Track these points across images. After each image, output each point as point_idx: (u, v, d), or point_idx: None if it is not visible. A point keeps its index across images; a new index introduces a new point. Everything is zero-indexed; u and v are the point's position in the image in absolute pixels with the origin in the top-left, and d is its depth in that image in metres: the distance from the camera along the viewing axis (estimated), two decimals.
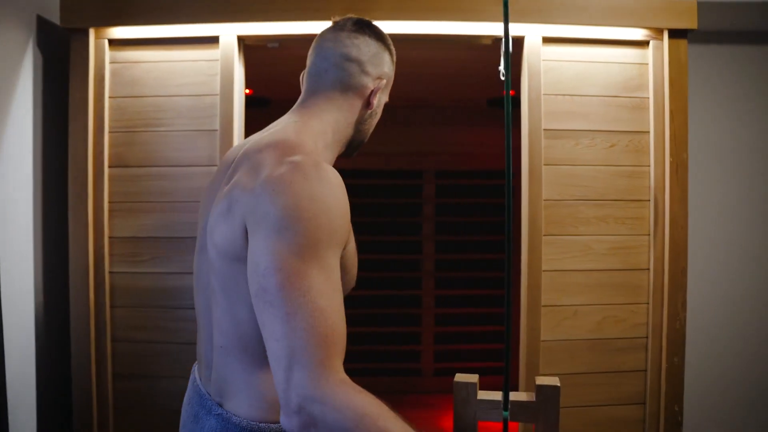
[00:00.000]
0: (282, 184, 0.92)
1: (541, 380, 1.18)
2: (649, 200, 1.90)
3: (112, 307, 1.83)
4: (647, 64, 1.90)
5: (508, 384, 1.13)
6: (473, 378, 1.20)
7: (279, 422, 0.94)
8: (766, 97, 2.57)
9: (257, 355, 1.01)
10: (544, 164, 1.87)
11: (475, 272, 2.96)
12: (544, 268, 1.87)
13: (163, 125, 1.83)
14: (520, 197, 1.92)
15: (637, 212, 1.91)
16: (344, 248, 1.00)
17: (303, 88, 1.19)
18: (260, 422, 1.04)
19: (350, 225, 1.02)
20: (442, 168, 2.90)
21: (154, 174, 1.83)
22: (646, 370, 1.91)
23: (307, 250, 0.88)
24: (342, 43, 1.16)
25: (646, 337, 1.91)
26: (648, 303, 1.91)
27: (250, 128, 2.76)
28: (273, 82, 2.56)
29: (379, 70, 1.18)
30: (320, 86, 1.16)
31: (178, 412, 1.83)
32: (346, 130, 1.18)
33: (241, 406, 1.05)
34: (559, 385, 1.15)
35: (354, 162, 2.95)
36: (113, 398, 1.83)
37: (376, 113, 1.23)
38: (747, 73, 2.44)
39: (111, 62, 1.82)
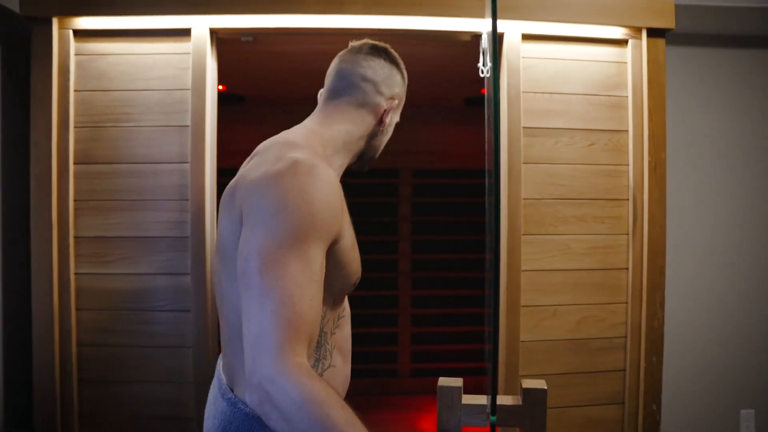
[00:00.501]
0: (275, 178, 0.98)
1: (527, 383, 1.14)
2: (628, 199, 1.89)
3: (77, 309, 1.74)
4: (626, 62, 1.89)
5: (496, 388, 1.09)
6: (457, 382, 1.15)
7: None
8: (742, 99, 2.60)
9: None
10: (523, 162, 1.84)
11: (452, 272, 2.93)
12: (523, 267, 1.84)
13: (131, 120, 1.75)
14: (499, 196, 1.89)
15: (616, 211, 1.89)
16: (337, 243, 1.05)
17: (319, 103, 1.29)
18: None
19: (345, 222, 1.08)
20: (418, 167, 2.86)
21: (122, 171, 1.75)
22: (624, 370, 1.90)
23: (288, 240, 0.93)
24: (359, 64, 1.26)
25: (625, 337, 1.90)
26: (627, 302, 1.89)
27: (223, 125, 2.68)
28: (247, 79, 2.49)
29: (392, 90, 1.28)
30: (336, 101, 1.25)
31: (150, 418, 1.76)
32: (358, 143, 1.26)
33: (245, 393, 1.03)
34: (545, 388, 1.12)
35: None
36: (78, 405, 1.74)
37: (388, 131, 1.32)
38: (724, 75, 2.46)
39: (76, 54, 1.73)
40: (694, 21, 2.43)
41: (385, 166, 2.86)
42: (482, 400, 1.14)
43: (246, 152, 2.95)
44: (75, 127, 1.73)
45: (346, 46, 1.31)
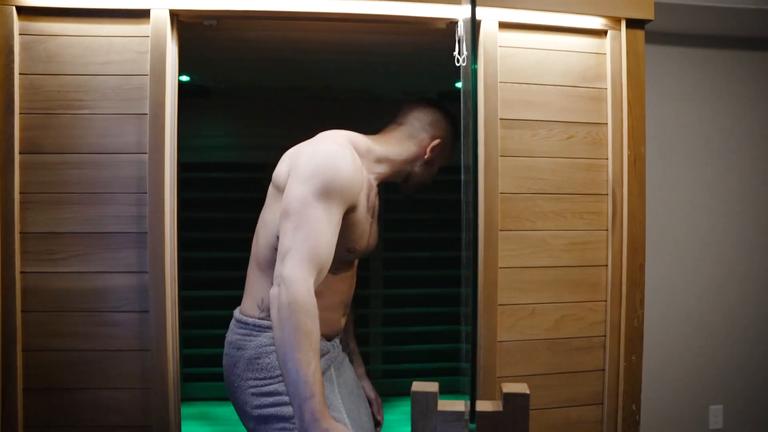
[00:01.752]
0: (316, 152, 1.43)
1: (508, 387, 1.05)
2: (607, 194, 1.82)
3: (23, 311, 1.60)
4: (605, 53, 1.81)
5: (475, 393, 0.99)
6: (433, 387, 1.05)
7: (269, 319, 1.48)
8: (718, 98, 2.56)
9: (263, 266, 1.54)
10: (500, 155, 1.76)
11: (425, 270, 2.83)
12: (500, 264, 1.76)
13: (84, 107, 1.61)
14: (477, 191, 1.80)
15: (595, 206, 1.82)
16: (352, 212, 1.45)
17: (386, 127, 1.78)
18: (257, 318, 1.54)
19: (362, 199, 1.49)
20: None
21: (74, 162, 1.61)
22: (604, 369, 1.82)
23: (319, 194, 1.33)
24: (416, 108, 1.78)
25: (605, 336, 1.82)
26: (606, 300, 1.82)
27: (189, 119, 2.55)
28: (214, 70, 2.35)
29: (438, 133, 1.76)
30: (394, 128, 1.75)
31: (107, 428, 1.62)
32: (402, 165, 1.71)
33: (246, 306, 1.59)
34: (528, 392, 1.02)
35: None
36: (24, 417, 1.59)
37: (431, 166, 1.78)
38: (701, 73, 2.42)
39: (21, 33, 1.58)
40: (672, 20, 2.38)
41: None
42: (460, 406, 1.04)
43: (212, 147, 2.84)
44: (21, 113, 1.59)
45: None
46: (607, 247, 1.82)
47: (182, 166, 2.69)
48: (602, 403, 1.83)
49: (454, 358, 2.90)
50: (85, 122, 1.61)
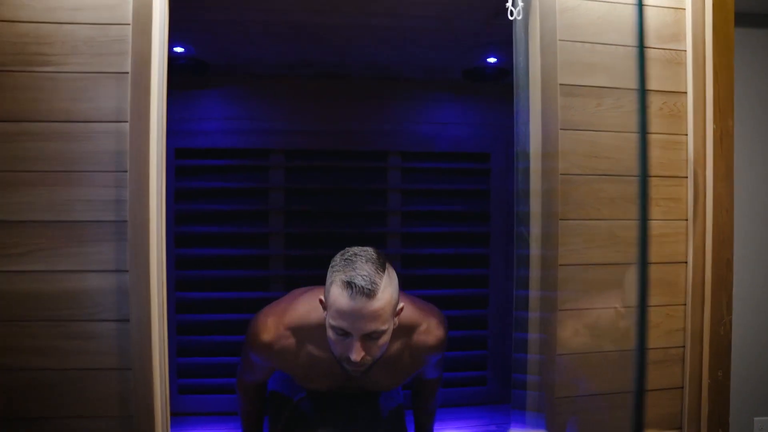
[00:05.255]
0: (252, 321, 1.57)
1: None
2: (687, 177, 1.46)
3: None
4: (684, 9, 1.46)
5: None
6: None
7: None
8: None
9: None
10: (560, 129, 1.40)
11: (450, 269, 2.47)
12: (560, 262, 1.40)
13: (49, 64, 1.24)
14: (515, 179, 1.44)
15: (673, 191, 1.46)
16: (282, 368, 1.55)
17: None
18: None
19: (289, 366, 1.52)
20: (409, 149, 2.40)
21: (35, 132, 1.24)
22: (683, 387, 1.47)
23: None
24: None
25: (683, 347, 1.47)
26: (686, 304, 1.46)
27: (184, 98, 2.18)
28: (211, 40, 1.99)
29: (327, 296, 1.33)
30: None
31: None
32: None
33: None
34: None
35: (310, 142, 2.40)
36: None
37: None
38: None
39: None
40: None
41: (371, 147, 2.39)
42: None
43: (208, 132, 2.36)
44: None
45: None
46: (687, 240, 1.46)
47: (177, 153, 2.31)
48: (681, 428, 1.47)
49: (477, 366, 2.54)
50: (49, 83, 1.24)
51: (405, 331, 1.46)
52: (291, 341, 1.44)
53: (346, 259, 1.29)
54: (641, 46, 1.24)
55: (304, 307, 1.46)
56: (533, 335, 1.41)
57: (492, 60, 2.15)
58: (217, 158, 2.34)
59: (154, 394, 1.25)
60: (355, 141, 2.39)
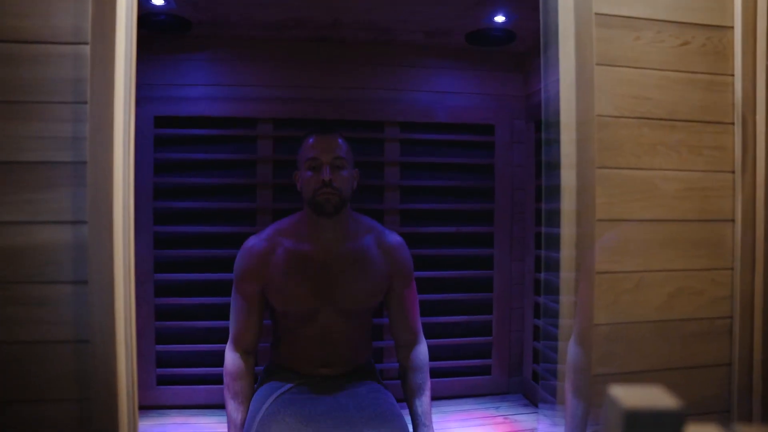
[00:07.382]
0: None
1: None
2: (734, 123, 1.26)
3: None
4: None
5: None
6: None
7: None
8: None
9: None
10: (596, 64, 1.19)
11: (451, 248, 2.26)
12: (598, 216, 1.18)
13: None
14: (543, 128, 1.22)
15: (719, 139, 1.26)
16: (265, 288, 1.64)
17: None
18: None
19: (273, 275, 1.61)
20: (408, 119, 2.18)
21: None
22: (731, 364, 1.26)
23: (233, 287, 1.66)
24: None
25: (731, 318, 1.26)
26: (733, 268, 1.26)
27: (165, 61, 1.94)
28: None
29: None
30: None
31: None
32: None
33: None
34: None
35: (301, 111, 2.17)
36: None
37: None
38: None
39: None
40: None
41: (367, 117, 2.17)
42: None
43: (191, 99, 2.13)
44: None
45: None
46: (734, 195, 1.26)
47: (156, 121, 2.07)
48: (729, 411, 1.26)
49: (485, 354, 2.32)
50: None
51: (371, 228, 1.68)
52: (269, 244, 1.62)
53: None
54: None
55: (275, 224, 1.69)
56: (566, 299, 1.19)
57: (500, 19, 1.95)
58: (200, 127, 2.10)
59: (117, 372, 1.01)
60: (349, 110, 2.16)
